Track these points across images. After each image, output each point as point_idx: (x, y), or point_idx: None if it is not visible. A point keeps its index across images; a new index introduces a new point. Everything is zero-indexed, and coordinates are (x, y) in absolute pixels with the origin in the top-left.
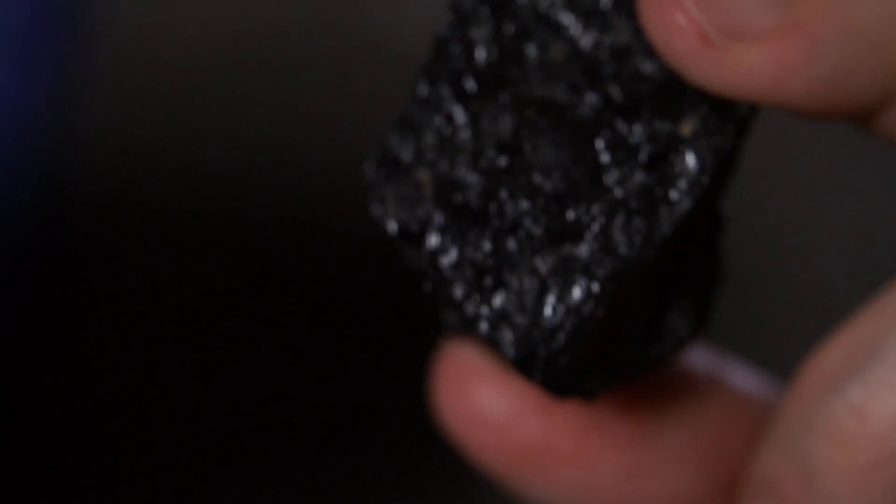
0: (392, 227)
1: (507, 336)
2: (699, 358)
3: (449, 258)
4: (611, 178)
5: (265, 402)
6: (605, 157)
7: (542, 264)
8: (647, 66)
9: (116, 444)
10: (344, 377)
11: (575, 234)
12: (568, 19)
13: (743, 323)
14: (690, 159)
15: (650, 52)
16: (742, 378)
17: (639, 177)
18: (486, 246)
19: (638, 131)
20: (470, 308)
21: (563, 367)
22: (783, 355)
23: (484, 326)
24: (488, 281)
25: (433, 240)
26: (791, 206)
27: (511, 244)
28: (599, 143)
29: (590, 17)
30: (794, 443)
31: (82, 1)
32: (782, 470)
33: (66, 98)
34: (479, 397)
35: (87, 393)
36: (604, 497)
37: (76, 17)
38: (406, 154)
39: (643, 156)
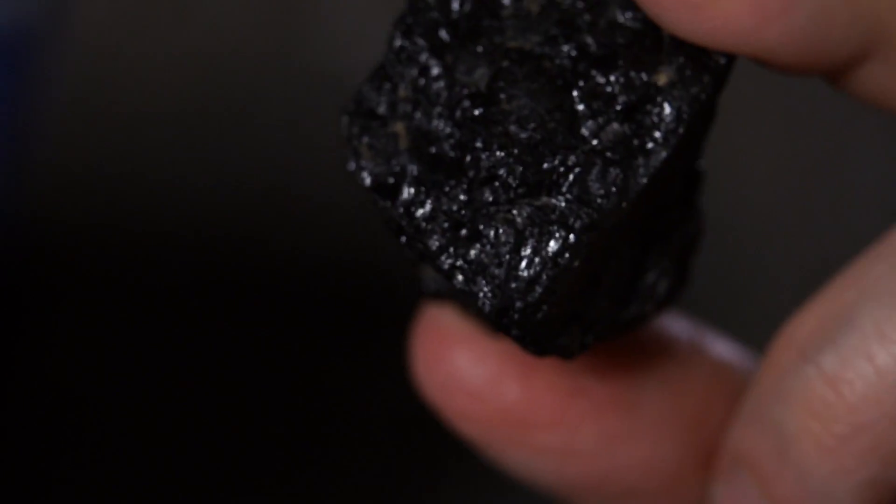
0: (367, 179)
1: (483, 289)
2: (679, 325)
3: (423, 210)
4: (587, 128)
5: (243, 382)
6: (581, 107)
7: (518, 215)
8: (622, 16)
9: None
10: (319, 347)
11: (551, 184)
12: None
13: (718, 295)
14: (666, 109)
15: (626, 1)
16: (722, 347)
17: (615, 127)
18: (462, 197)
19: (614, 81)
20: (445, 261)
21: (540, 321)
22: (758, 328)
23: (459, 279)
24: (464, 232)
25: (408, 192)
26: (766, 177)
27: (486, 195)
28: (575, 93)
29: None
30: (768, 413)
31: (35, 44)
32: (757, 441)
33: (24, 122)
34: (457, 362)
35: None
36: (582, 464)
37: (29, 60)
38: (381, 106)
39: (619, 106)
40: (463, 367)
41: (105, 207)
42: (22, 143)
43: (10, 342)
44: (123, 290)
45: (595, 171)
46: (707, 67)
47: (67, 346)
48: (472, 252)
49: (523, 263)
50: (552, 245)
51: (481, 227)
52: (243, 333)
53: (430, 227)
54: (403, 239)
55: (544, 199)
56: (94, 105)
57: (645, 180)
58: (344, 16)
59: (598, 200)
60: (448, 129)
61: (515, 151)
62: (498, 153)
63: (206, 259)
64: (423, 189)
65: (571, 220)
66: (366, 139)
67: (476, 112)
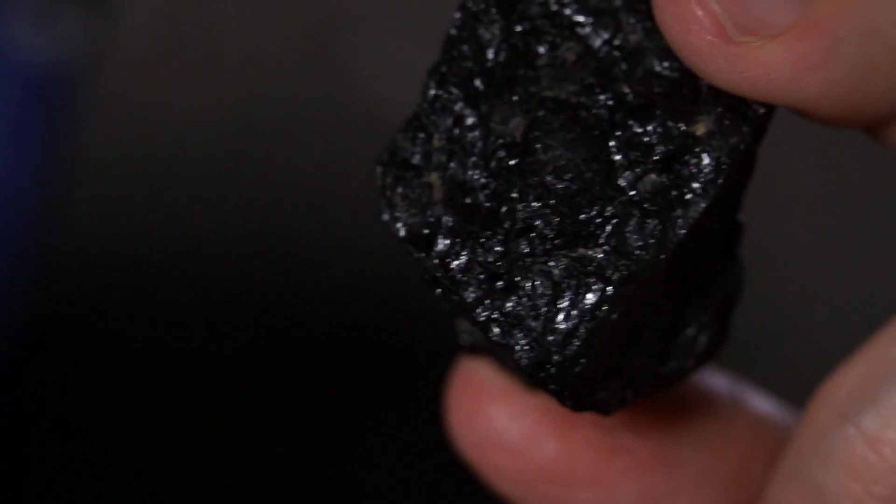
0: (401, 231)
1: (520, 342)
2: (718, 380)
3: (459, 262)
4: (624, 178)
5: (279, 432)
6: (618, 158)
7: (555, 267)
8: (660, 66)
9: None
10: (356, 401)
11: (588, 235)
12: (579, 18)
13: (756, 348)
14: (705, 159)
15: (663, 50)
16: (762, 403)
17: (653, 177)
18: (497, 248)
19: (651, 131)
20: (481, 313)
21: (578, 376)
22: (797, 382)
23: (495, 332)
24: (500, 284)
25: (443, 243)
26: (802, 228)
27: (523, 246)
28: (612, 144)
29: (601, 15)
30: (808, 472)
31: (73, 80)
32: (795, 499)
33: (57, 176)
34: (494, 418)
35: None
36: None
37: (67, 95)
38: (415, 156)
39: (657, 156)
40: (499, 423)
41: (138, 239)
42: (57, 179)
43: (39, 391)
44: (158, 339)
45: (633, 222)
46: (746, 117)
47: (96, 399)
48: (509, 304)
49: (560, 316)
50: (590, 297)
51: (517, 278)
52: (274, 383)
53: (465, 278)
54: (439, 291)
55: (581, 250)
56: (129, 141)
57: (684, 232)
58: (382, 47)
59: (636, 252)
60: (483, 180)
61: (552, 202)
62: (534, 204)
63: (239, 303)
64: (458, 240)
65: (609, 271)
66: (400, 190)
67: (511, 162)
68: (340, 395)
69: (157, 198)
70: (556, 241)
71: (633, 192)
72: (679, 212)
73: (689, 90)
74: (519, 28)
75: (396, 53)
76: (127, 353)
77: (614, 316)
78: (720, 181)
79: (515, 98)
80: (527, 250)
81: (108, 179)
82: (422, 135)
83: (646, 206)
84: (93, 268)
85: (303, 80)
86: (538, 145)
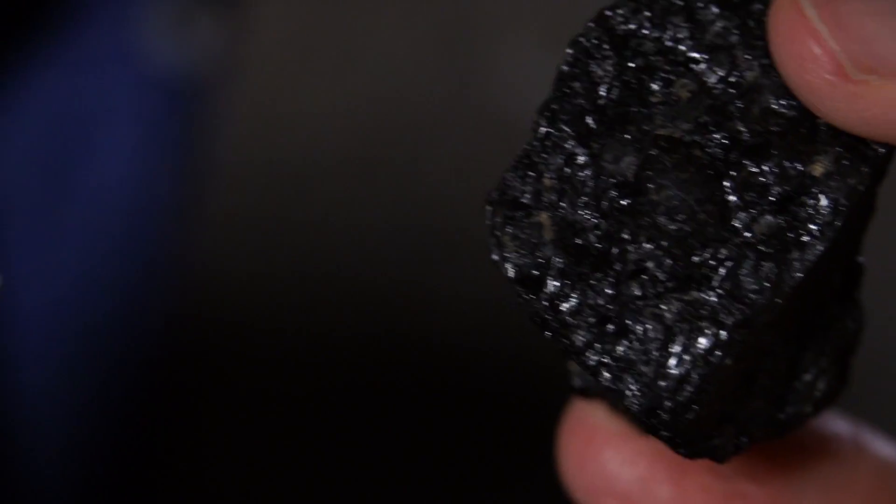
0: (510, 271)
1: (631, 387)
2: (838, 424)
3: (569, 304)
4: (739, 220)
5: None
6: (732, 198)
7: (667, 310)
8: (776, 104)
9: None
10: (464, 440)
11: (701, 278)
12: (694, 55)
13: (878, 392)
14: (823, 201)
15: (780, 88)
16: (886, 447)
17: (768, 219)
18: (608, 291)
19: (767, 171)
20: (591, 357)
21: (691, 422)
22: None
23: (606, 376)
24: (610, 328)
25: (552, 285)
26: None
27: (634, 289)
28: (727, 184)
29: (717, 52)
30: None
31: (208, 86)
32: None
33: (191, 182)
34: (607, 463)
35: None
36: None
37: (202, 102)
38: (525, 196)
39: (773, 197)
40: (612, 468)
41: (268, 247)
42: (192, 185)
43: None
44: (288, 352)
45: (748, 264)
46: (865, 157)
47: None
48: (619, 348)
49: (672, 361)
50: (703, 342)
51: (628, 322)
52: (392, 414)
53: (575, 321)
54: (548, 334)
55: (694, 293)
56: (261, 148)
57: (800, 275)
58: (516, 57)
59: (751, 296)
60: (594, 220)
61: (664, 244)
62: (646, 245)
63: (364, 322)
64: (568, 282)
65: (723, 316)
66: (510, 229)
67: (623, 202)
68: (449, 432)
69: (289, 203)
70: (669, 284)
71: (747, 234)
72: (795, 254)
73: (806, 129)
74: (632, 64)
75: (530, 63)
76: (253, 370)
77: (728, 361)
78: (838, 223)
79: (627, 136)
80: (638, 293)
81: (240, 186)
82: (532, 173)
83: (761, 248)
84: (224, 273)
85: (436, 88)
86: (650, 185)
